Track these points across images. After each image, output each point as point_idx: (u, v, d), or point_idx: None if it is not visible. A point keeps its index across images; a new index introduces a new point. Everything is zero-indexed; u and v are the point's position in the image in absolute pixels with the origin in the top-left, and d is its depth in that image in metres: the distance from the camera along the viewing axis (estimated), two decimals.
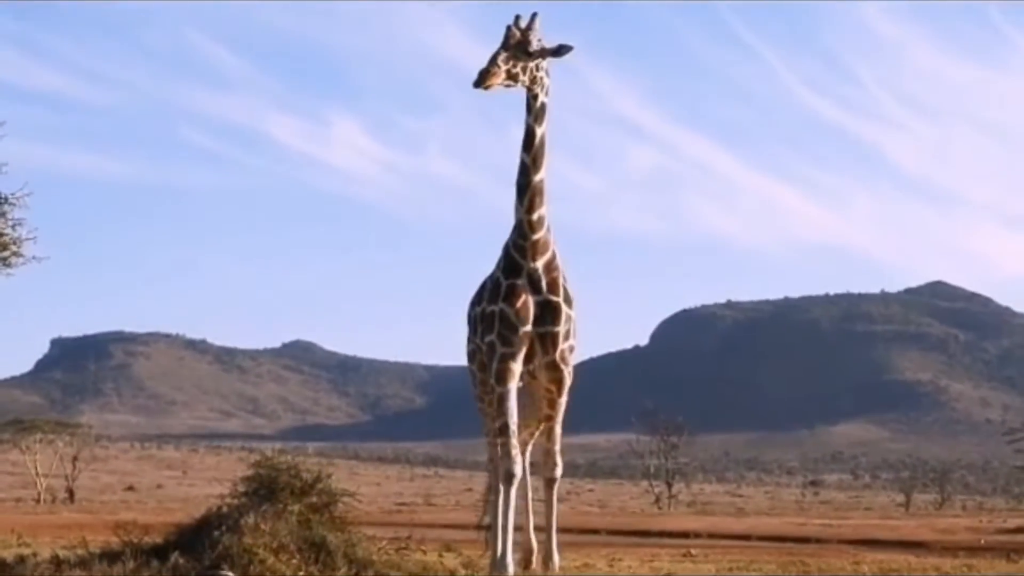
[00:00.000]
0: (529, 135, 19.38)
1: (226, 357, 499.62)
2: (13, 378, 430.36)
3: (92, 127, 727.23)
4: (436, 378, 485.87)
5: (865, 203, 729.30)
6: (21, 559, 21.32)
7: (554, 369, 19.58)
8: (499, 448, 19.54)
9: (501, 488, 19.48)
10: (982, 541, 40.12)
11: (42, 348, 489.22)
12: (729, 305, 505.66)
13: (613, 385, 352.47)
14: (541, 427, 20.39)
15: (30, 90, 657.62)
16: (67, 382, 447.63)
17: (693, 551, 34.23)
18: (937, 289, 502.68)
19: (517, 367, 19.42)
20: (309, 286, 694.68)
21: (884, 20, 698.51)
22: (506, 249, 19.74)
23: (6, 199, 22.15)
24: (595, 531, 48.71)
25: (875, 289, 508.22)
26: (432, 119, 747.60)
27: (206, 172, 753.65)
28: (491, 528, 20.24)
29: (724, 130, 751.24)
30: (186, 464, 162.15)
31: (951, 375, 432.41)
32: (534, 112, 19.35)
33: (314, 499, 20.77)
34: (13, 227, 22.33)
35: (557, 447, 20.01)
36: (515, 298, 19.20)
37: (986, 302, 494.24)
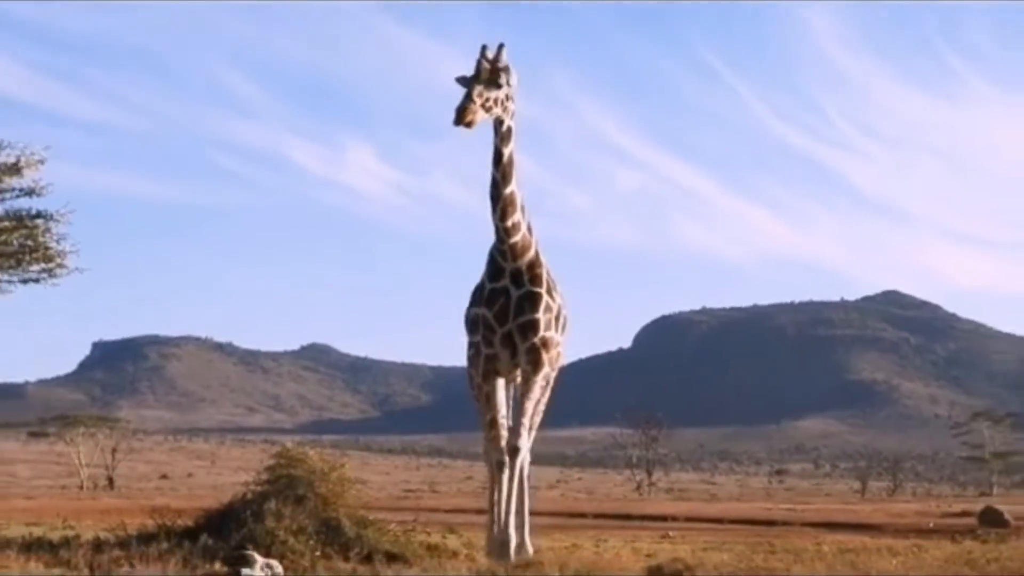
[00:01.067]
0: (497, 154, 19.02)
1: (250, 358, 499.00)
2: (58, 378, 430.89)
3: (127, 151, 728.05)
4: (440, 377, 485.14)
5: (827, 221, 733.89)
6: (66, 540, 21.31)
7: (532, 352, 19.35)
8: (490, 440, 19.62)
9: (495, 475, 19.49)
10: (931, 524, 40.08)
11: (84, 350, 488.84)
12: (704, 312, 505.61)
13: (599, 384, 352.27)
14: (515, 406, 20.12)
15: (71, 118, 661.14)
16: (107, 381, 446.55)
17: (671, 533, 34.22)
18: (891, 298, 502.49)
19: (501, 366, 19.50)
20: (325, 294, 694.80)
21: (847, 57, 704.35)
22: (490, 255, 19.63)
23: (51, 216, 22.15)
24: (583, 515, 48.65)
25: (835, 297, 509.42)
26: (438, 144, 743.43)
27: (231, 192, 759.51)
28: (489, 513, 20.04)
29: (701, 155, 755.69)
30: (214, 455, 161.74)
31: (903, 375, 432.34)
32: (500, 134, 18.99)
33: (329, 487, 20.76)
34: (57, 241, 22.38)
35: (524, 420, 19.54)
36: (494, 302, 19.25)
37: (935, 309, 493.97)
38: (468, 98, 18.20)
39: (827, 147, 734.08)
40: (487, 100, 18.52)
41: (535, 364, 19.41)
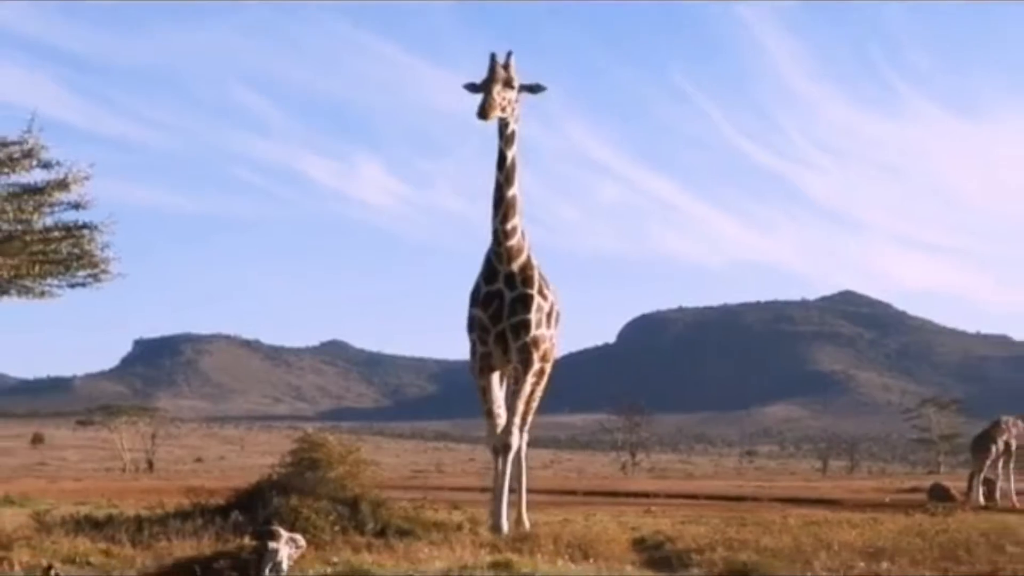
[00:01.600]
0: (502, 158, 18.53)
1: (275, 353, 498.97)
2: (102, 372, 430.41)
3: (160, 167, 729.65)
4: (445, 370, 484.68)
5: (788, 228, 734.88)
6: (110, 517, 21.25)
7: (523, 351, 18.97)
8: (487, 428, 19.49)
9: (495, 460, 19.45)
10: (887, 499, 40.04)
11: (126, 347, 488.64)
12: (680, 310, 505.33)
13: (587, 375, 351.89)
14: (507, 403, 19.78)
15: (106, 135, 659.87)
16: (146, 374, 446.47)
17: (653, 508, 34.16)
18: (847, 297, 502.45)
19: (495, 362, 19.17)
20: (341, 296, 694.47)
21: (803, 81, 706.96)
22: (487, 257, 19.12)
23: (96, 227, 22.11)
24: (573, 492, 48.56)
25: (797, 297, 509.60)
26: (442, 161, 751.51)
27: (255, 204, 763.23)
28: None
29: (676, 169, 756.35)
30: (243, 440, 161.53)
31: (859, 366, 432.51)
32: (505, 137, 18.46)
33: (346, 468, 20.71)
34: (102, 250, 22.30)
35: (516, 419, 19.27)
36: (488, 303, 18.84)
37: (887, 308, 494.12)
38: (490, 95, 17.77)
39: (787, 162, 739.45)
40: (504, 99, 18.13)
41: (526, 362, 19.05)
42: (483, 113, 17.66)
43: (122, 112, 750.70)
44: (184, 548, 16.98)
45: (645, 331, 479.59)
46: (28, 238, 21.71)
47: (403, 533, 19.09)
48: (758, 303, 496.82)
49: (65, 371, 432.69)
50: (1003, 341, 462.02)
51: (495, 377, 19.44)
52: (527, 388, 19.28)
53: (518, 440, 19.53)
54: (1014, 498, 35.00)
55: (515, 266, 18.78)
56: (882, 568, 15.08)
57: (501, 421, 19.33)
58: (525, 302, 18.83)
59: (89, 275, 22.52)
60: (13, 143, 21.14)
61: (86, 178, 21.61)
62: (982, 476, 35.89)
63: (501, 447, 19.09)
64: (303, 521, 18.09)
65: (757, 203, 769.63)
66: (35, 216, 21.69)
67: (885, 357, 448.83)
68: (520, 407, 19.29)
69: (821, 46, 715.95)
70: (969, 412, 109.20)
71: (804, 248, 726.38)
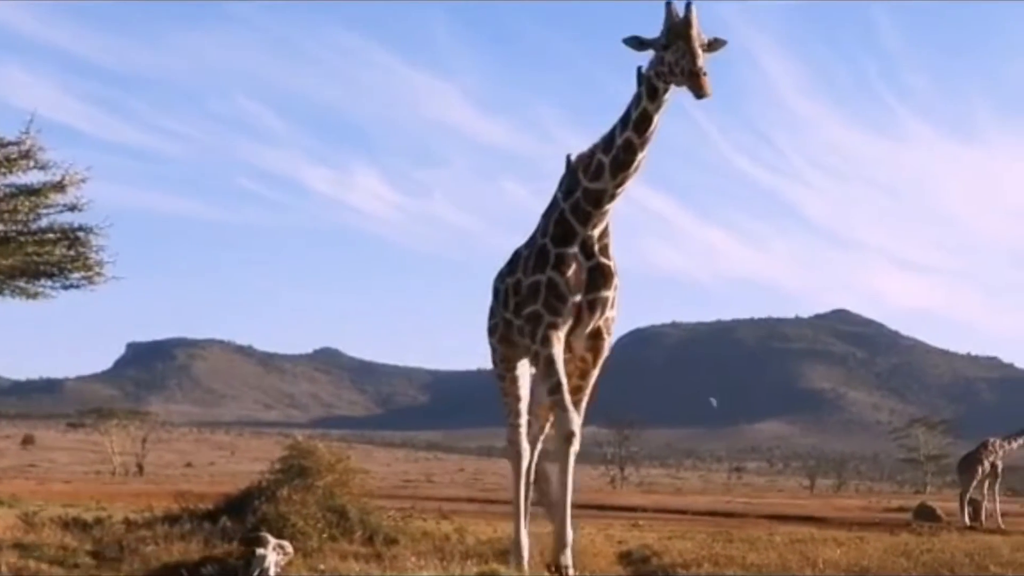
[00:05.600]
0: (648, 120, 14.14)
1: (268, 360, 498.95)
2: (95, 374, 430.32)
3: (164, 173, 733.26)
4: (436, 380, 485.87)
5: (783, 245, 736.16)
6: (99, 520, 21.24)
7: (596, 337, 15.11)
8: (556, 408, 14.65)
9: (562, 452, 14.83)
10: (877, 519, 40.04)
11: (119, 350, 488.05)
12: (674, 325, 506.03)
13: None
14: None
15: (116, 143, 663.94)
16: (139, 378, 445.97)
17: (640, 522, 34.15)
18: (840, 316, 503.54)
19: (562, 334, 14.76)
20: (336, 304, 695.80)
21: (799, 99, 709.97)
22: (559, 216, 14.89)
23: (91, 230, 22.14)
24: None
25: (790, 314, 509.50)
26: (437, 172, 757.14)
27: (254, 211, 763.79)
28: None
29: (672, 186, 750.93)
30: (234, 446, 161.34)
31: (849, 385, 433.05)
32: (659, 102, 14.05)
33: (336, 476, 20.72)
34: (96, 252, 22.32)
35: (582, 408, 15.15)
36: (566, 267, 14.67)
37: (879, 327, 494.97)
38: (702, 67, 13.44)
39: (782, 179, 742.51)
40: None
41: (596, 351, 15.30)
42: (707, 91, 13.47)
43: (130, 119, 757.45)
44: (172, 552, 16.99)
45: (638, 345, 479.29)
46: (23, 239, 21.73)
47: (391, 542, 19.09)
48: (751, 319, 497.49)
49: (57, 373, 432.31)
50: (993, 363, 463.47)
51: (560, 351, 14.84)
52: (591, 384, 15.51)
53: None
54: (999, 519, 35.06)
55: (596, 231, 14.86)
56: None
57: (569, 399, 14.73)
58: (606, 274, 14.88)
59: (83, 277, 22.53)
60: (11, 143, 21.16)
61: (83, 180, 21.66)
62: (969, 496, 35.96)
63: (566, 436, 14.62)
64: (291, 528, 18.07)
65: (752, 220, 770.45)
66: (30, 217, 21.72)
67: (876, 376, 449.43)
68: (583, 407, 15.28)
69: (818, 66, 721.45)
70: (958, 433, 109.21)
71: (798, 266, 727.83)
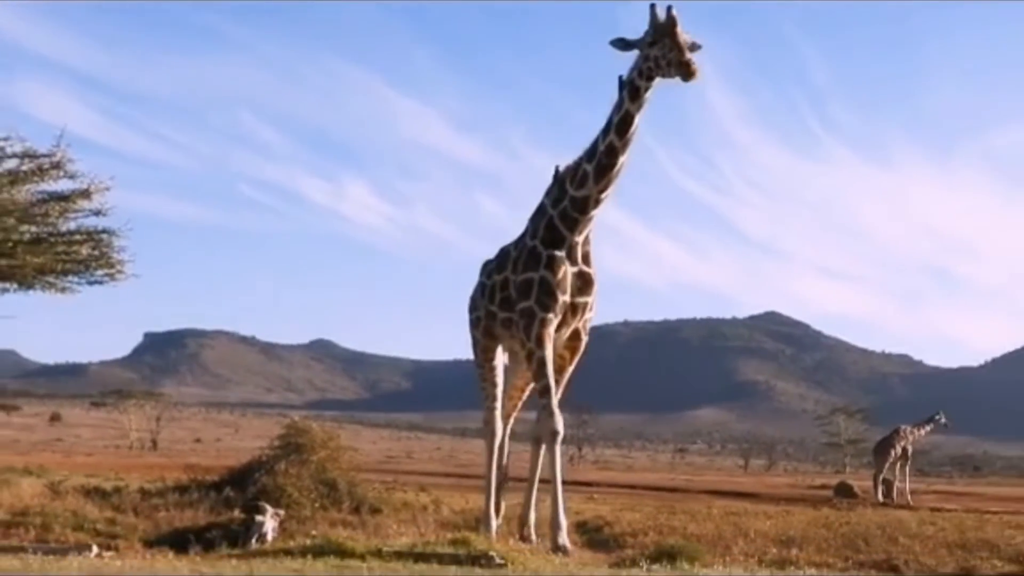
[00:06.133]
0: (629, 121, 13.61)
1: (269, 349, 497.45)
2: (116, 360, 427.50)
3: (176, 182, 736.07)
4: (418, 368, 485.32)
5: (722, 255, 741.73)
6: (117, 489, 21.14)
7: (575, 338, 14.90)
8: (543, 409, 14.32)
9: (548, 448, 14.72)
10: (802, 495, 40.10)
11: (137, 339, 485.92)
12: (626, 324, 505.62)
13: None
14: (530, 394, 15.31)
15: (131, 153, 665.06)
16: (154, 363, 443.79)
17: (595, 496, 34.16)
18: (772, 317, 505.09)
19: (553, 331, 14.42)
20: (330, 300, 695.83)
21: (739, 127, 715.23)
22: (548, 222, 14.31)
23: (114, 232, 22.06)
24: (525, 479, 48.44)
25: (728, 316, 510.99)
26: (421, 185, 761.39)
27: (257, 217, 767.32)
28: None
29: (626, 201, 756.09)
30: (238, 425, 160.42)
31: (780, 378, 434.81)
32: (640, 101, 13.50)
33: (328, 452, 20.66)
34: (118, 252, 22.24)
35: (554, 402, 14.44)
36: (557, 267, 14.13)
37: (805, 327, 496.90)
38: (687, 52, 13.00)
39: (722, 197, 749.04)
40: None
41: (573, 350, 15.14)
42: (695, 72, 12.96)
43: (142, 132, 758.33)
44: (181, 518, 16.94)
45: (594, 341, 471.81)
46: (53, 240, 21.64)
47: (375, 511, 19.07)
48: (694, 319, 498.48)
49: (82, 358, 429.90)
50: (905, 360, 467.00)
51: (551, 350, 14.48)
52: (566, 379, 15.23)
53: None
54: (908, 497, 35.25)
55: (580, 238, 14.34)
56: (791, 554, 15.15)
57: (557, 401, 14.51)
58: (587, 281, 14.50)
59: (106, 274, 22.42)
60: (44, 155, 21.12)
61: (107, 188, 21.62)
62: (882, 476, 36.13)
63: (550, 434, 14.40)
64: (287, 498, 18.04)
65: (696, 232, 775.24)
66: (60, 220, 21.63)
67: (802, 370, 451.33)
68: (562, 389, 14.92)
69: (755, 97, 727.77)
70: (873, 421, 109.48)
71: (735, 272, 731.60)
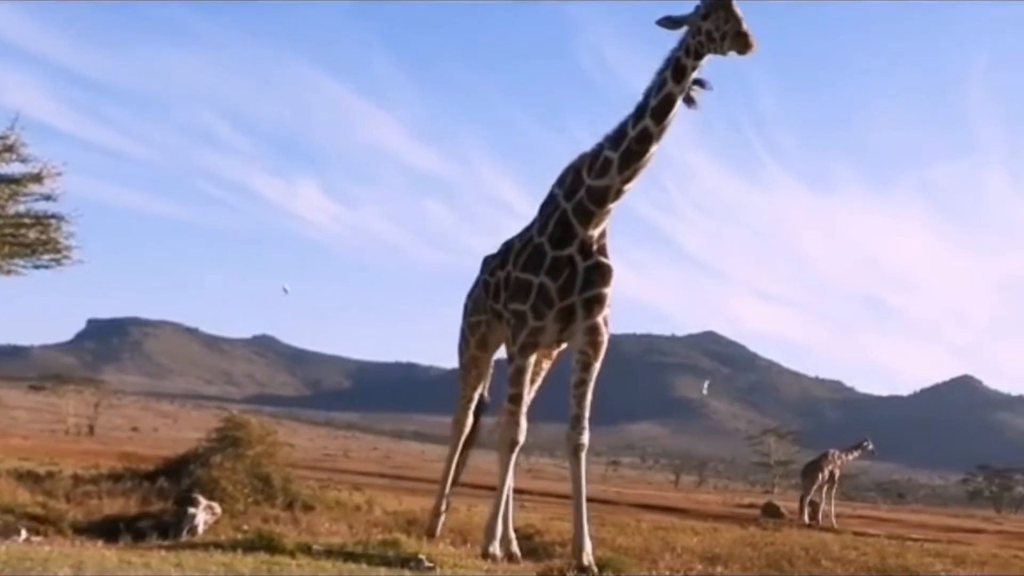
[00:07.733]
0: (670, 104, 12.02)
1: (212, 342, 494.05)
2: (57, 344, 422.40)
3: (134, 173, 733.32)
4: (359, 368, 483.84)
5: (663, 273, 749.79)
6: (51, 474, 20.85)
7: (594, 332, 13.17)
8: (507, 416, 13.72)
9: (502, 455, 14.14)
10: (730, 513, 40.34)
11: (80, 325, 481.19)
12: None
13: None
14: (573, 393, 13.71)
15: (92, 143, 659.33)
16: (96, 350, 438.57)
17: (527, 503, 34.17)
18: (709, 336, 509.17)
19: (543, 340, 13.39)
20: (275, 296, 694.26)
21: (685, 150, 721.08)
22: (560, 217, 12.86)
23: (63, 218, 21.88)
24: (462, 485, 48.38)
25: (667, 333, 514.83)
26: (370, 188, 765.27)
27: (209, 211, 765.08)
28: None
29: None
30: (176, 415, 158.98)
31: (714, 396, 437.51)
32: (685, 83, 11.94)
33: (264, 448, 20.51)
34: (66, 238, 22.06)
35: (586, 413, 13.78)
36: (558, 273, 12.81)
37: (741, 348, 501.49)
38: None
39: (665, 216, 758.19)
40: None
41: (596, 345, 13.26)
42: (751, 45, 11.32)
43: (106, 124, 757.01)
44: (113, 507, 16.69)
45: None
46: (1, 222, 21.38)
47: (308, 508, 18.94)
48: (633, 335, 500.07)
49: (24, 341, 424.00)
50: (836, 386, 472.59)
51: (532, 360, 13.66)
52: (594, 375, 13.65)
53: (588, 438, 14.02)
54: (833, 520, 35.59)
55: (596, 232, 12.86)
56: (717, 571, 15.21)
57: (524, 412, 13.93)
58: (603, 273, 12.94)
59: (53, 259, 22.22)
60: None
61: (59, 174, 21.45)
62: (809, 498, 36.45)
63: (573, 448, 13.82)
64: (221, 491, 17.85)
65: (637, 249, 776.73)
66: (9, 203, 21.38)
67: (736, 390, 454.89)
68: (589, 398, 13.79)
69: (702, 122, 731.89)
70: (803, 443, 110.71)
71: (675, 291, 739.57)
